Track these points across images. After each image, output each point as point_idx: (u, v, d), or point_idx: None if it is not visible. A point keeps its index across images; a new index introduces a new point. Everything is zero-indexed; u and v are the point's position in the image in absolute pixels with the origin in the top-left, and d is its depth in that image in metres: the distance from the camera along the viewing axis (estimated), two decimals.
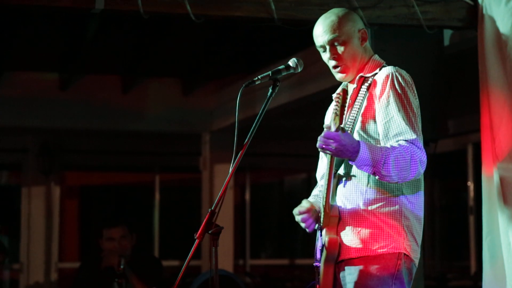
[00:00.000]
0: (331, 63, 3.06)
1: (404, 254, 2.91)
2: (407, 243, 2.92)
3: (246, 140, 2.89)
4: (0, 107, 8.46)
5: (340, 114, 2.92)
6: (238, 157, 2.87)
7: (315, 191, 3.30)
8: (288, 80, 6.93)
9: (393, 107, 2.89)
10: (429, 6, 4.46)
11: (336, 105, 2.97)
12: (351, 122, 2.97)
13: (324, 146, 2.80)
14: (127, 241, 5.23)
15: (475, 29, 4.43)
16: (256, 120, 2.92)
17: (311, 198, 3.23)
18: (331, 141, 2.77)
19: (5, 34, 6.85)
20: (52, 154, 9.58)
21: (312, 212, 3.06)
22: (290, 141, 10.41)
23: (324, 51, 3.08)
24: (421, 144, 2.88)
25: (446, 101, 4.62)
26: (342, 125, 2.86)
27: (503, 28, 4.22)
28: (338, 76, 3.08)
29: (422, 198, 3.01)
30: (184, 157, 10.40)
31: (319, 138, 2.82)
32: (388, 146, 2.85)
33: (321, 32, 3.06)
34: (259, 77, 2.97)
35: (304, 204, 3.08)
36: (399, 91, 2.91)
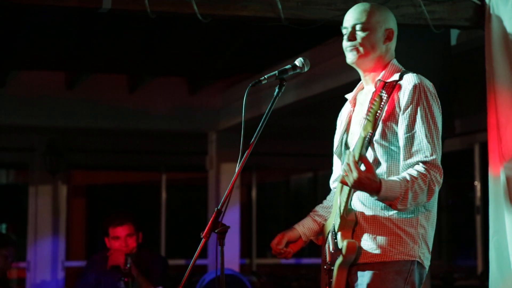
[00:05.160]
0: (346, 44, 3.05)
1: (418, 261, 2.93)
2: (422, 251, 2.94)
3: (252, 140, 2.89)
4: (7, 106, 8.48)
5: (373, 122, 2.80)
6: (244, 156, 2.87)
7: (319, 205, 3.29)
8: (295, 80, 6.93)
9: (418, 122, 2.89)
10: (436, 5, 4.45)
11: (369, 111, 2.83)
12: (370, 134, 2.91)
13: (341, 181, 2.83)
14: (133, 240, 5.23)
15: (482, 29, 4.42)
16: (262, 120, 2.92)
17: (305, 218, 3.24)
18: (352, 178, 2.77)
19: (12, 33, 6.86)
20: (58, 153, 9.60)
21: (288, 250, 3.18)
22: (296, 141, 10.42)
23: (346, 33, 3.07)
24: (439, 161, 2.89)
25: (453, 100, 4.61)
26: (365, 152, 2.84)
27: (510, 27, 4.22)
28: (349, 55, 3.05)
29: (436, 207, 3.02)
30: (191, 156, 10.41)
31: (343, 165, 2.82)
32: (408, 176, 2.83)
33: (350, 16, 3.07)
34: (265, 76, 2.97)
35: (282, 244, 3.15)
36: (425, 106, 2.90)
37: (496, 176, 4.20)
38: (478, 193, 8.74)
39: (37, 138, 9.62)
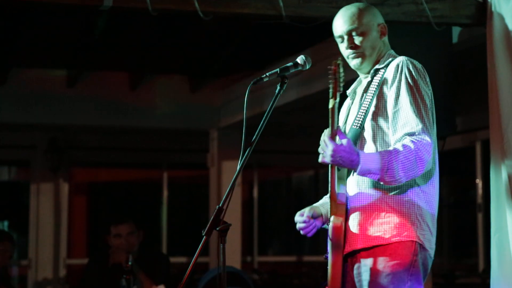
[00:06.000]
0: (347, 52, 3.07)
1: (418, 243, 2.87)
2: (421, 232, 2.89)
3: (254, 137, 2.89)
4: (8, 104, 8.48)
5: (334, 90, 2.86)
6: (246, 154, 2.87)
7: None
8: (296, 77, 6.93)
9: (403, 96, 2.90)
10: (438, 3, 4.45)
11: (329, 81, 2.88)
12: (363, 112, 2.96)
13: (321, 161, 2.82)
14: (135, 238, 5.24)
15: (484, 26, 4.42)
16: (264, 117, 2.92)
17: (320, 202, 3.22)
18: (328, 152, 2.77)
19: (13, 31, 6.86)
20: (60, 151, 9.61)
21: (312, 220, 3.06)
22: (298, 138, 10.41)
23: (342, 41, 3.09)
24: (428, 131, 2.86)
25: (455, 98, 4.61)
26: (339, 124, 2.86)
27: None
28: (353, 62, 3.08)
29: (435, 188, 2.98)
30: (192, 154, 10.41)
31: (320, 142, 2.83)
32: (391, 148, 2.83)
33: (340, 23, 3.07)
34: (267, 74, 2.98)
35: (306, 213, 3.07)
36: (409, 80, 2.91)
37: (498, 174, 4.20)
38: (480, 191, 8.73)
39: (39, 136, 9.63)
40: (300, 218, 3.07)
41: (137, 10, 4.20)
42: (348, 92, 3.20)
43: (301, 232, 3.08)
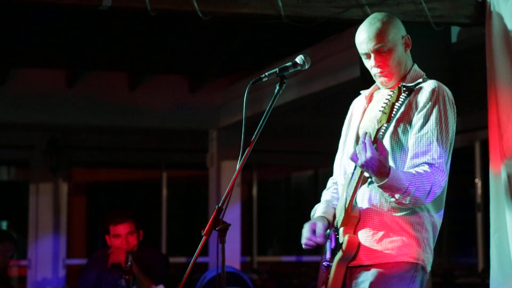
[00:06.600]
0: (375, 70, 3.02)
1: (422, 265, 2.91)
2: (426, 255, 2.93)
3: (253, 137, 2.89)
4: (7, 104, 8.48)
5: (388, 113, 2.79)
6: (245, 154, 2.87)
7: (326, 195, 3.26)
8: (295, 77, 6.93)
9: (431, 124, 2.89)
10: (437, 3, 4.45)
11: (386, 103, 2.81)
12: (384, 126, 2.91)
13: (352, 157, 2.81)
14: (134, 238, 5.23)
15: (483, 26, 4.42)
16: (263, 117, 2.92)
17: (321, 207, 3.19)
18: (365, 157, 2.75)
19: (12, 30, 6.86)
20: (59, 151, 9.61)
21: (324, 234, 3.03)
22: (297, 138, 10.42)
23: (368, 58, 3.03)
24: (445, 166, 2.89)
25: (454, 98, 4.60)
26: (382, 133, 2.82)
27: (511, 25, 4.21)
28: (380, 80, 3.04)
29: (441, 215, 3.03)
30: (191, 153, 10.41)
31: (359, 144, 2.81)
32: (414, 172, 2.82)
33: (365, 40, 3.00)
34: (266, 74, 2.96)
35: (320, 230, 3.02)
36: (441, 109, 2.91)
37: (497, 173, 4.20)
38: (479, 190, 8.74)
39: (38, 136, 9.63)
40: (317, 230, 3.02)
41: (136, 10, 4.20)
42: (365, 95, 3.17)
43: (305, 246, 3.08)
